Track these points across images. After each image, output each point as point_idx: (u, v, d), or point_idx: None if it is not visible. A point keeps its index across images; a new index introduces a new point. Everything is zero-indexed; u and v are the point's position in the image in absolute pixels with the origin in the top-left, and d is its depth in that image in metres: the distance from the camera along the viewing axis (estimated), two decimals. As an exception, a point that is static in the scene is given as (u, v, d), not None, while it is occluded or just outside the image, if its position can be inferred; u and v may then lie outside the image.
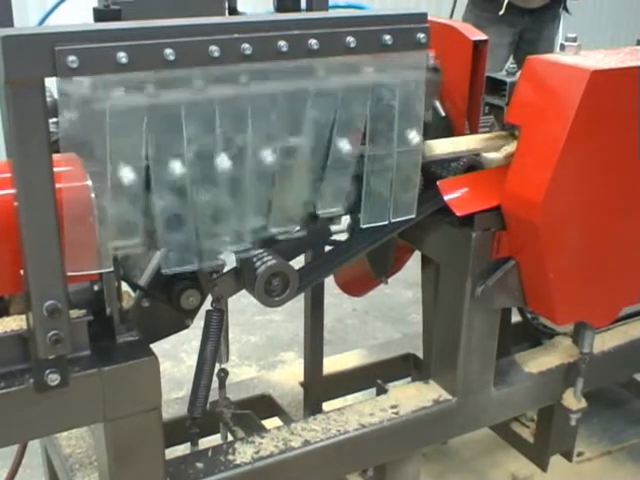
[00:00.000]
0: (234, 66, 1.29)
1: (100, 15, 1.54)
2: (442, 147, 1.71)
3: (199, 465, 1.65)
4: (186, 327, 1.67)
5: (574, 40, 1.70)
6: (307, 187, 1.49)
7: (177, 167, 1.31)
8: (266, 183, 1.43)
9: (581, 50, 1.70)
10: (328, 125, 1.45)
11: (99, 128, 1.22)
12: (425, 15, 1.42)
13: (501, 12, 3.89)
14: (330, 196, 1.52)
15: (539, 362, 2.08)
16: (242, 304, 3.02)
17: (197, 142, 1.33)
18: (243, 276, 1.61)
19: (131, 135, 1.27)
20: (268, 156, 1.39)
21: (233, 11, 1.74)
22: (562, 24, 4.33)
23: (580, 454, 2.63)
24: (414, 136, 1.52)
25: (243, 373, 3.20)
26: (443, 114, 1.86)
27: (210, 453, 1.69)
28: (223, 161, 1.35)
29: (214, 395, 1.97)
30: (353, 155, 1.48)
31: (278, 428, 1.81)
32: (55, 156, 1.19)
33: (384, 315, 3.82)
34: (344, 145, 1.46)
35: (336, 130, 1.45)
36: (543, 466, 2.26)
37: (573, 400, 2.06)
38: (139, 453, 1.47)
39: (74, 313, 1.32)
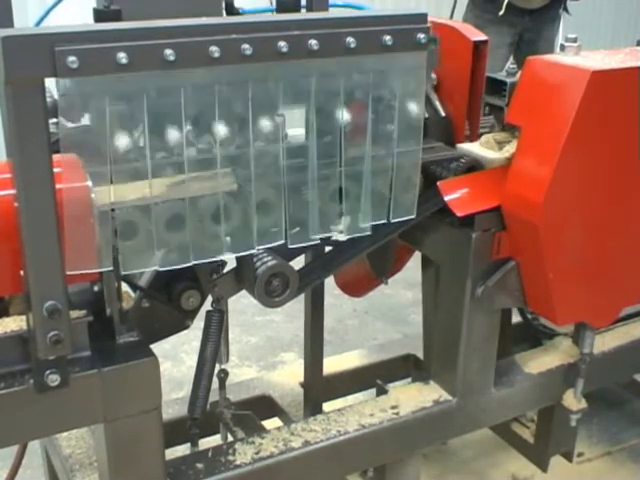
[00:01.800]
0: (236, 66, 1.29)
1: (100, 15, 1.54)
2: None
3: (199, 465, 1.65)
4: (186, 327, 1.67)
5: (574, 40, 1.70)
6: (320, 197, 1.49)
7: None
8: (271, 187, 1.43)
9: (581, 50, 1.70)
10: (331, 127, 1.45)
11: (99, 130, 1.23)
12: (425, 15, 1.42)
13: (501, 12, 3.89)
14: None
15: (539, 363, 2.08)
16: (242, 304, 3.02)
17: (197, 142, 1.33)
18: (243, 276, 1.60)
19: (131, 136, 1.27)
20: (270, 155, 1.39)
21: (230, 7, 1.73)
22: (562, 24, 4.32)
23: (580, 455, 2.63)
24: (414, 136, 1.52)
25: (243, 374, 3.20)
26: (443, 114, 1.86)
27: (210, 454, 1.69)
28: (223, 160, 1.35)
29: (214, 396, 1.97)
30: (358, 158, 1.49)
31: (278, 429, 1.81)
32: (55, 156, 1.19)
33: (384, 316, 3.82)
34: (347, 147, 1.46)
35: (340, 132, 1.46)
36: (543, 467, 2.26)
37: (573, 401, 2.06)
38: (139, 453, 1.47)
39: (74, 314, 1.33)
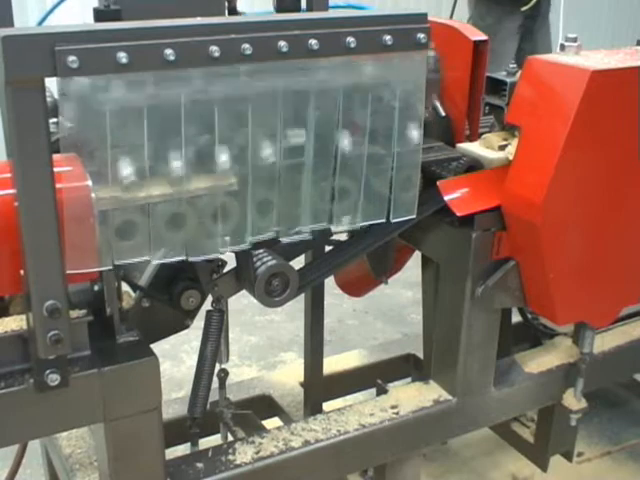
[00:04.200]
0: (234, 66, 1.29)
1: (100, 15, 1.54)
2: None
3: (199, 465, 1.65)
4: (186, 327, 1.67)
5: (574, 40, 1.70)
6: (315, 194, 1.49)
7: (177, 165, 1.32)
8: (268, 185, 1.43)
9: (581, 50, 1.70)
10: (330, 126, 1.45)
11: (99, 128, 1.23)
12: (425, 15, 1.42)
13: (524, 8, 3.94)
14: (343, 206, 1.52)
15: (539, 362, 2.07)
16: (242, 304, 3.02)
17: (196, 140, 1.33)
18: (243, 276, 1.61)
19: (131, 134, 1.27)
20: (269, 156, 1.39)
21: (233, 11, 1.74)
22: (562, 25, 4.36)
23: (580, 454, 2.63)
24: (414, 136, 1.52)
25: (243, 373, 3.21)
26: (443, 114, 1.86)
27: (210, 453, 1.69)
28: (224, 160, 1.35)
29: (214, 395, 1.97)
30: (356, 157, 1.48)
31: (278, 428, 1.81)
32: (55, 156, 1.19)
33: (384, 315, 3.82)
34: (346, 146, 1.46)
35: (338, 131, 1.45)
36: (543, 466, 2.26)
37: (573, 400, 2.05)
38: (139, 453, 1.47)
39: (74, 313, 1.33)
